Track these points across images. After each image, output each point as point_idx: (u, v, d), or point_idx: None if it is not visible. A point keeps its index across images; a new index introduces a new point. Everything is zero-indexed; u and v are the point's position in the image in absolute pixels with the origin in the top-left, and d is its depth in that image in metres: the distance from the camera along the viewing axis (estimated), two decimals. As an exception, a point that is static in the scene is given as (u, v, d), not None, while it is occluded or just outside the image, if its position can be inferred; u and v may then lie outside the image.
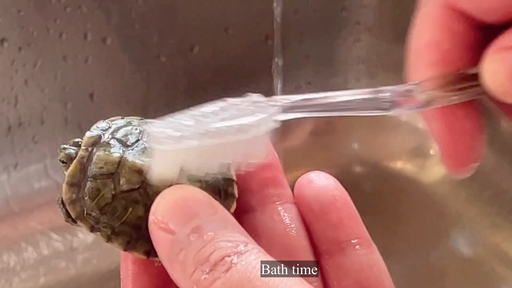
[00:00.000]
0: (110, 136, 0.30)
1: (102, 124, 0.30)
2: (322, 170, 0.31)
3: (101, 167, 0.29)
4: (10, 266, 0.63)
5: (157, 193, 0.27)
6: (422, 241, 0.66)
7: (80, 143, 0.30)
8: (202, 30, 0.67)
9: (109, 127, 0.30)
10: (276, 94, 0.56)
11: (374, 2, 0.71)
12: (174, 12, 0.65)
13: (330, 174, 0.31)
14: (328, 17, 0.72)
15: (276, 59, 0.66)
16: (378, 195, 0.70)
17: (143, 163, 0.28)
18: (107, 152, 0.29)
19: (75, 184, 0.30)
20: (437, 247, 0.65)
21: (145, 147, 0.29)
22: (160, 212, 0.26)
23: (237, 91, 0.66)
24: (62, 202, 0.30)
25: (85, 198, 0.29)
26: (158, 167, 0.27)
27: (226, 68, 0.68)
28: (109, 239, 0.28)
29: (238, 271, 0.23)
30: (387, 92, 0.26)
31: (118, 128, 0.30)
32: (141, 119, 0.31)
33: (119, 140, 0.29)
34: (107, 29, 0.63)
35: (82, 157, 0.29)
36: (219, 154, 0.27)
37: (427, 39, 0.24)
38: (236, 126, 0.26)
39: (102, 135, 0.30)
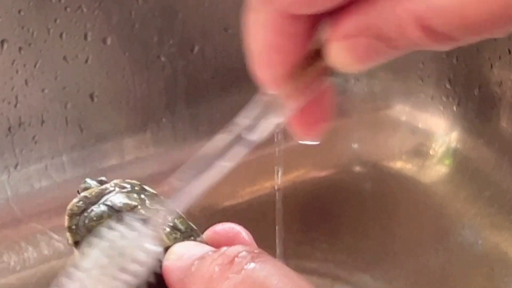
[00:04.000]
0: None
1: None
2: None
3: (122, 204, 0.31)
4: (10, 266, 0.63)
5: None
6: (421, 241, 0.66)
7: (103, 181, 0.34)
8: (202, 30, 0.67)
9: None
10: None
11: (374, 2, 0.71)
12: (174, 12, 0.66)
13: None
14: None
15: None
16: (378, 195, 0.70)
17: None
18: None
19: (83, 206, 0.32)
20: (436, 247, 0.65)
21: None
22: (172, 253, 0.28)
23: (237, 91, 0.66)
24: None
25: (86, 217, 0.31)
26: None
27: (226, 68, 0.68)
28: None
29: (256, 268, 0.24)
30: (245, 122, 0.27)
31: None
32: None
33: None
34: (107, 29, 0.63)
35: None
36: None
37: (269, 44, 0.25)
38: (130, 276, 0.27)
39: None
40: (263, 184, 0.70)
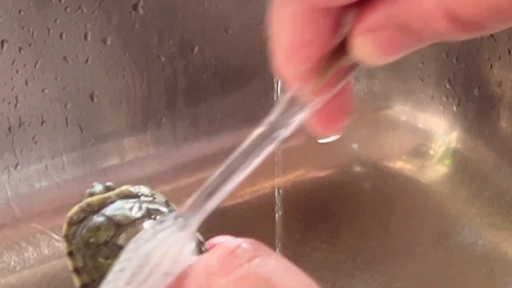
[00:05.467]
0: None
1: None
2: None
3: (121, 216, 0.30)
4: (10, 266, 0.63)
5: None
6: (421, 241, 0.66)
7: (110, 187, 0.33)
8: (202, 30, 0.67)
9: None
10: (276, 95, 0.56)
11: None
12: (174, 12, 0.66)
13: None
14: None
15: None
16: (378, 195, 0.70)
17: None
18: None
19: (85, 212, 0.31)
20: (436, 247, 0.65)
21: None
22: None
23: (237, 91, 0.67)
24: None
25: (84, 227, 0.30)
26: None
27: (226, 68, 0.68)
28: (75, 271, 0.29)
29: (260, 263, 0.23)
30: (274, 119, 0.26)
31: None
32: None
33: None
34: (107, 29, 0.63)
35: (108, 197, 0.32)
36: None
37: (296, 39, 0.24)
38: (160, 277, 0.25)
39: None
40: (263, 184, 0.70)
